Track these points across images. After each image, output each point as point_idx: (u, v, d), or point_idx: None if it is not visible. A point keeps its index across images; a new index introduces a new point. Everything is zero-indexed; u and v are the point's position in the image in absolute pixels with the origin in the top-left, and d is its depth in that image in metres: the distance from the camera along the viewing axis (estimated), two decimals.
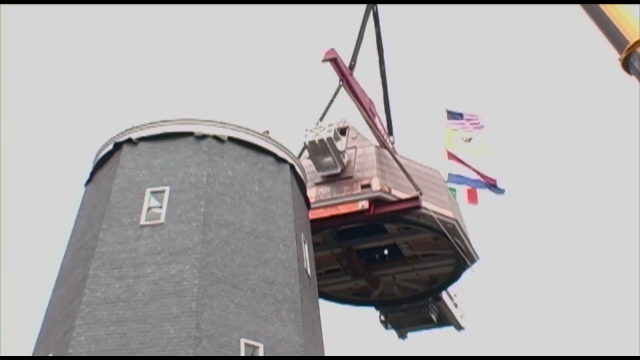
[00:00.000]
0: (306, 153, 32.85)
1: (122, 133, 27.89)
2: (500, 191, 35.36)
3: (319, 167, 32.54)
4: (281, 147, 28.41)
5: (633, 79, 24.48)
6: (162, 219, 25.86)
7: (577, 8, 26.27)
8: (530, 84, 74.66)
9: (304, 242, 27.84)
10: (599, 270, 67.19)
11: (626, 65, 24.60)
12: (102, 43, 73.12)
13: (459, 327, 36.13)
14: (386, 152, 33.62)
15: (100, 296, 24.54)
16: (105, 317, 24.14)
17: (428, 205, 32.10)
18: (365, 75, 35.17)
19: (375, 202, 31.92)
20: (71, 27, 71.85)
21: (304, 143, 32.24)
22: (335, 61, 33.69)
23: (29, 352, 25.66)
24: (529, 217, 69.38)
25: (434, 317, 35.36)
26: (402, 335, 36.21)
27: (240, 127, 27.95)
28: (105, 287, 24.68)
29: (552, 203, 70.38)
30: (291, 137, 31.12)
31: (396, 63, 36.76)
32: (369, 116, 34.42)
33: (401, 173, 32.58)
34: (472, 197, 35.52)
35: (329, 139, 31.92)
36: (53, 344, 24.58)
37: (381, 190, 31.96)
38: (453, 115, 36.24)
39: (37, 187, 68.96)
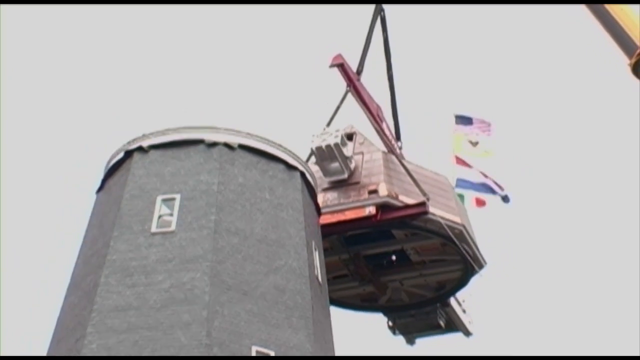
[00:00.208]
0: (313, 159, 32.81)
1: (132, 141, 27.87)
2: (506, 200, 35.33)
3: (325, 172, 32.47)
4: (292, 154, 28.38)
5: None
6: (173, 227, 25.80)
7: (583, 8, 25.85)
8: (540, 88, 74.05)
9: (315, 249, 27.81)
10: (607, 274, 66.83)
11: (636, 70, 24.27)
12: (114, 52, 73.15)
13: (467, 333, 36.06)
14: (393, 157, 33.53)
15: (111, 304, 24.49)
16: (117, 325, 24.07)
17: (435, 210, 32.06)
18: (373, 80, 35.17)
19: (383, 207, 31.84)
20: (82, 33, 71.43)
21: (311, 149, 32.22)
22: (342, 67, 33.63)
23: None
24: (537, 222, 69.18)
25: (442, 323, 35.29)
26: (410, 341, 36.13)
27: (251, 134, 27.94)
28: (117, 295, 24.64)
29: (560, 208, 69.99)
30: (298, 142, 31.18)
31: (404, 68, 36.75)
32: (377, 121, 34.35)
33: (408, 179, 32.52)
34: (480, 200, 35.52)
35: (336, 144, 31.89)
36: (65, 352, 24.53)
37: (388, 195, 31.88)
38: (462, 120, 36.20)
39: (49, 194, 68.88)
